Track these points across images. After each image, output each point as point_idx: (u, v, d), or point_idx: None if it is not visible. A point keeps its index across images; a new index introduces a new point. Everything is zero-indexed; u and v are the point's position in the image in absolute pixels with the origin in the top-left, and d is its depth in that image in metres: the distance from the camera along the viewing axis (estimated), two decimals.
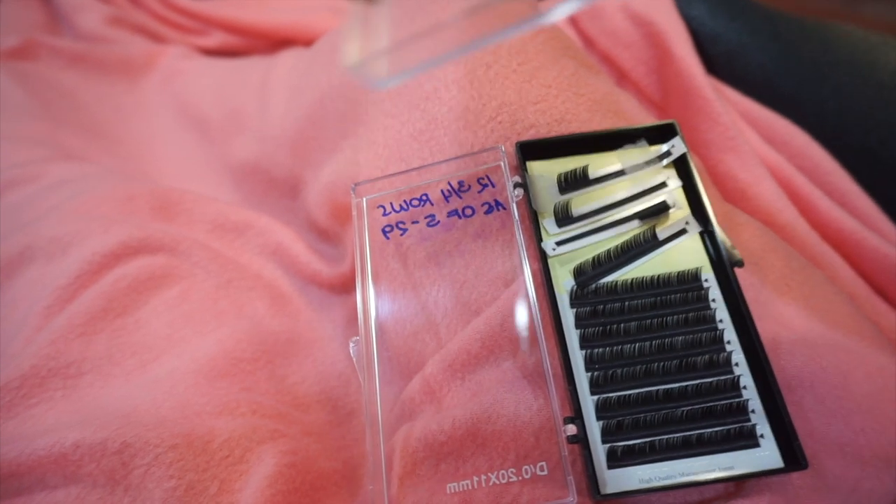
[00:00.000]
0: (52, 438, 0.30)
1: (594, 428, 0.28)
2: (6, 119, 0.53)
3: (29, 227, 0.41)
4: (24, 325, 0.36)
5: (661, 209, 0.32)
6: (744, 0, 0.49)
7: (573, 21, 0.50)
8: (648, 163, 0.33)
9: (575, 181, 0.33)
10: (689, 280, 0.31)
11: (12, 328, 0.37)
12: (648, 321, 0.30)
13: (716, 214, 0.32)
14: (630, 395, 0.28)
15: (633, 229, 0.32)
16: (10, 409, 0.33)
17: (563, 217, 0.32)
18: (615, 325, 0.30)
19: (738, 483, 0.28)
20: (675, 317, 0.30)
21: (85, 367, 0.34)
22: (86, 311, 0.36)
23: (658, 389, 0.28)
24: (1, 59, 0.59)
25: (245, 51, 0.64)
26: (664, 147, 0.34)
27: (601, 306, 0.30)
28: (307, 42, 0.60)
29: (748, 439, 0.27)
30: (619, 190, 0.33)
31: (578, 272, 0.31)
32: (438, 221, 0.35)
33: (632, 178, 0.33)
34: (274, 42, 0.62)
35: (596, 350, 0.29)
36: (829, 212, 0.40)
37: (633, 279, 0.31)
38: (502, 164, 0.34)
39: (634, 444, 0.28)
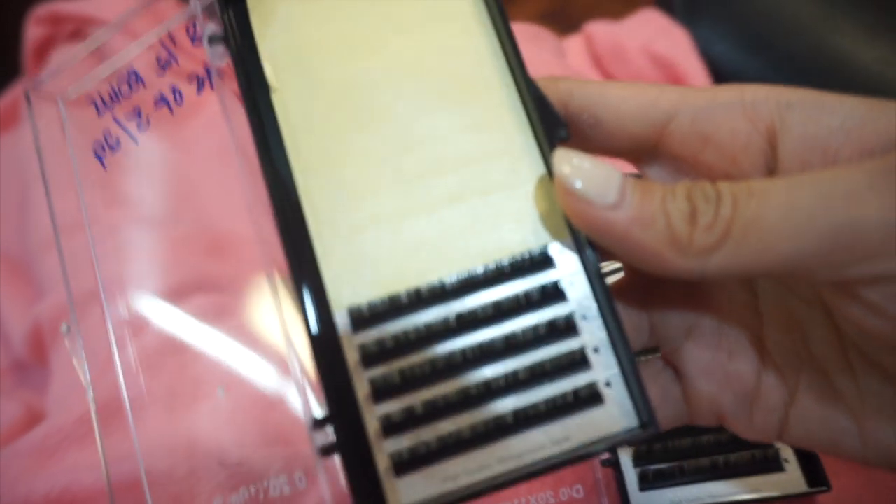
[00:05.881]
0: (125, 466, 0.32)
1: (626, 453, 0.30)
2: (63, 166, 0.57)
3: (90, 269, 0.44)
4: (91, 362, 0.39)
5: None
6: (767, 37, 0.51)
7: (596, 62, 0.53)
8: None
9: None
10: None
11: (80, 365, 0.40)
12: None
13: None
14: None
15: None
16: (83, 439, 0.36)
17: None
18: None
19: None
20: None
21: (150, 399, 0.37)
22: (149, 347, 0.39)
23: None
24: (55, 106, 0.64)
25: None
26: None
27: None
28: None
29: (773, 463, 0.29)
30: None
31: None
32: None
33: None
34: None
35: None
36: None
37: None
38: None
39: (664, 468, 0.29)
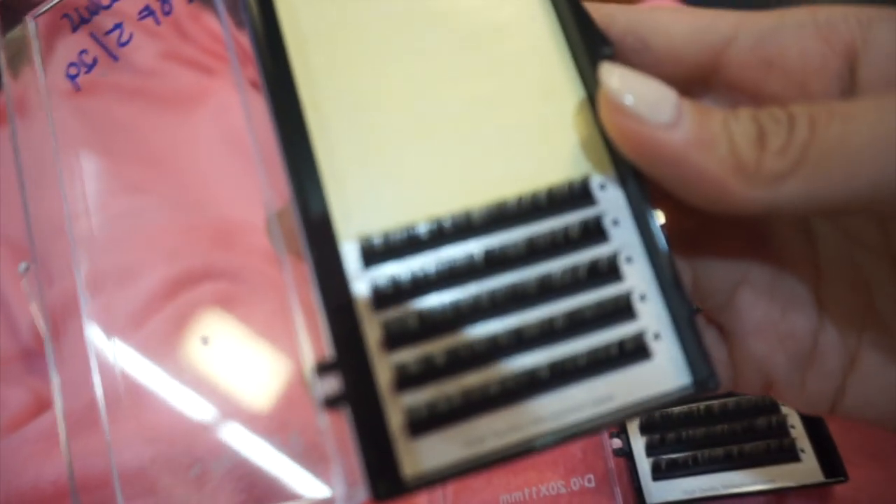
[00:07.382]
0: (132, 453, 0.32)
1: (639, 442, 0.30)
2: (72, 154, 0.56)
3: (98, 256, 0.44)
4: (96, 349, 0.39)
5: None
6: None
7: None
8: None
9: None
10: None
11: (84, 352, 0.40)
12: None
13: None
14: (672, 412, 0.30)
15: None
16: (90, 427, 0.35)
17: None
18: None
19: (781, 495, 0.29)
20: None
21: (156, 387, 0.37)
22: (155, 336, 0.38)
23: (699, 406, 0.30)
24: (64, 96, 0.63)
25: None
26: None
27: None
28: None
29: (788, 454, 0.28)
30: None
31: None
32: None
33: None
34: None
35: None
36: None
37: None
38: None
39: (678, 458, 0.29)
